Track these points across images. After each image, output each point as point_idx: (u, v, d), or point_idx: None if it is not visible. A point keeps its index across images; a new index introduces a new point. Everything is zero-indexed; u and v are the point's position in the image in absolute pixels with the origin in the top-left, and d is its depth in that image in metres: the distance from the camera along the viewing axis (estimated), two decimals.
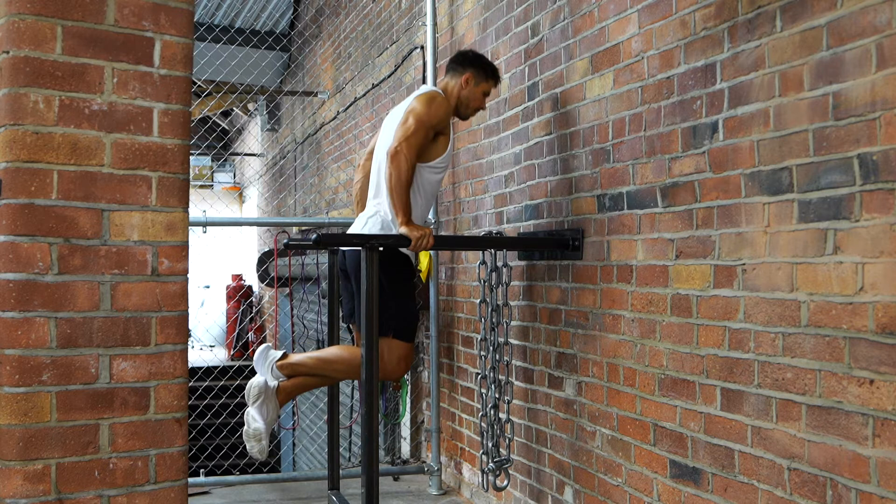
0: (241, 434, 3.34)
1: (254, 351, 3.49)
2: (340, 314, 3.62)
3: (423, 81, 4.55)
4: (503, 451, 3.42)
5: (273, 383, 3.28)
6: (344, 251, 3.36)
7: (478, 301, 3.48)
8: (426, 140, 3.15)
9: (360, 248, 3.18)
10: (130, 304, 1.96)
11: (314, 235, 2.91)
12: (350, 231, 3.36)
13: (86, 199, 1.92)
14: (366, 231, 3.20)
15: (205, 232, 4.56)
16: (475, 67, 3.31)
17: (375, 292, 2.86)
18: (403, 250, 3.19)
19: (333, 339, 3.73)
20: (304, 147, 8.33)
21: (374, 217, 3.22)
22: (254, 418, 3.22)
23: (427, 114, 3.13)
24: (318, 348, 5.11)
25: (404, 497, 4.20)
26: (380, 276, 2.90)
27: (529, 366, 3.47)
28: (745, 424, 2.28)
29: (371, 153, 3.52)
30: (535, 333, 3.44)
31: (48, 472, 1.87)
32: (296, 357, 3.35)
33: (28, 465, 1.85)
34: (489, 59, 3.46)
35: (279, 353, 3.31)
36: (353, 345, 3.47)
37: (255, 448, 3.23)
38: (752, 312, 2.25)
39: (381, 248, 2.95)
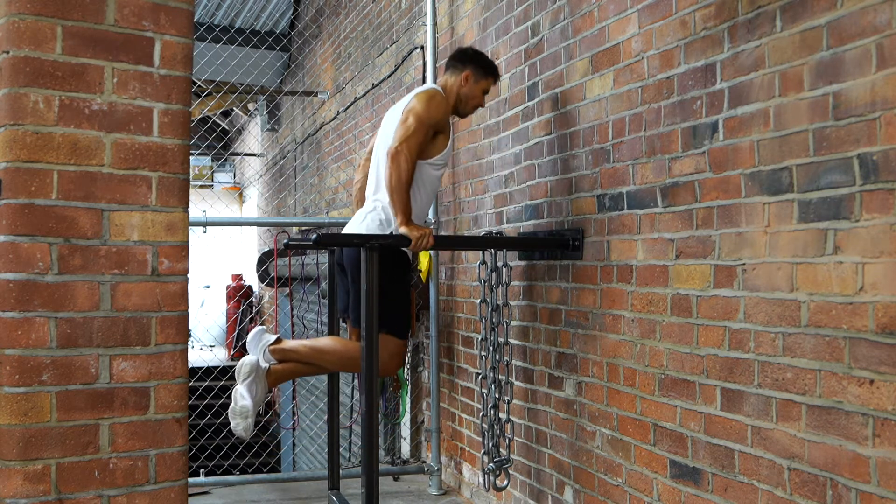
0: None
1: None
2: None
3: (423, 81, 4.55)
4: (503, 451, 3.42)
5: (264, 365, 3.28)
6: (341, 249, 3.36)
7: (478, 301, 3.48)
8: (426, 139, 3.15)
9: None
10: (130, 304, 1.96)
11: (314, 235, 2.91)
12: (349, 225, 3.36)
13: (86, 199, 1.92)
14: (365, 224, 3.20)
15: (205, 232, 4.56)
16: (475, 65, 3.31)
17: (376, 291, 2.86)
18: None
19: (333, 330, 3.73)
20: (304, 147, 8.33)
21: (374, 212, 3.22)
22: (242, 395, 3.22)
23: (427, 113, 3.13)
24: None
25: (404, 497, 4.20)
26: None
27: (529, 366, 3.47)
28: (745, 424, 2.28)
29: (371, 153, 3.52)
30: (535, 333, 3.44)
31: (48, 472, 1.87)
32: (289, 343, 3.35)
33: (28, 465, 1.85)
34: (489, 57, 3.46)
35: (273, 337, 3.31)
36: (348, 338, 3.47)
37: (241, 425, 3.22)
38: (752, 312, 2.25)
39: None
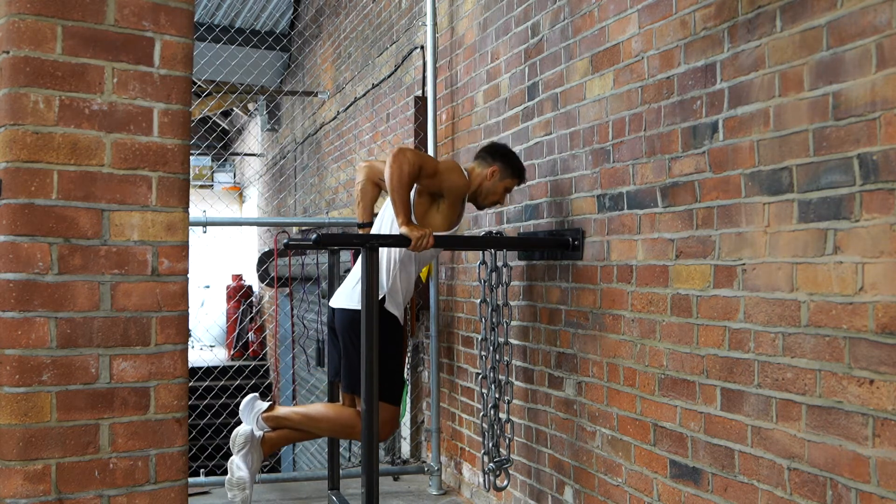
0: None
1: (254, 351, 3.51)
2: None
3: (423, 82, 4.55)
4: (503, 451, 3.42)
5: (258, 433, 3.31)
6: (333, 308, 3.36)
7: (478, 301, 3.48)
8: (429, 175, 3.08)
9: (348, 307, 3.21)
10: (130, 304, 1.96)
11: (314, 235, 2.91)
12: (343, 286, 3.35)
13: (86, 199, 1.92)
14: (359, 288, 3.10)
15: (205, 232, 4.56)
16: (503, 163, 3.29)
17: (376, 291, 2.86)
18: (391, 309, 3.21)
19: (333, 397, 3.71)
20: (304, 147, 8.34)
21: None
22: (238, 467, 3.24)
23: (440, 163, 3.16)
24: (318, 355, 5.11)
25: (404, 497, 4.20)
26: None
27: (529, 366, 3.47)
28: (745, 424, 2.28)
29: (376, 163, 3.47)
30: (535, 333, 3.44)
31: (48, 472, 1.86)
32: (282, 410, 3.39)
33: (28, 465, 1.85)
34: (519, 158, 3.39)
35: (265, 405, 3.36)
36: (341, 403, 3.47)
37: (239, 497, 3.25)
38: (752, 312, 2.25)
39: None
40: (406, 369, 4.64)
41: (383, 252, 3.18)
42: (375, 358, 2.86)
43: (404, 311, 3.33)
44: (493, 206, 3.44)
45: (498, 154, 3.32)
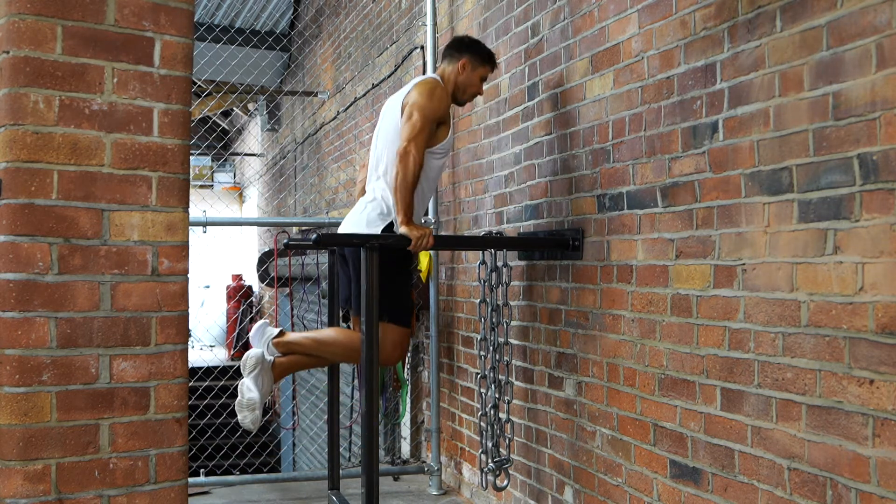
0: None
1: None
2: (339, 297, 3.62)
3: None
4: (503, 451, 3.42)
5: (269, 358, 3.29)
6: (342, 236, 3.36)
7: (478, 301, 3.48)
8: (431, 134, 3.16)
9: (356, 232, 3.20)
10: (130, 304, 1.96)
11: (314, 235, 2.91)
12: (349, 215, 3.36)
13: (86, 199, 1.92)
14: (365, 214, 3.20)
15: (205, 232, 4.56)
16: (471, 53, 3.32)
17: (376, 289, 2.86)
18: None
19: (334, 321, 3.73)
20: (304, 147, 8.34)
21: (374, 202, 3.22)
22: (248, 388, 3.22)
23: (430, 108, 3.13)
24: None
25: (404, 497, 4.20)
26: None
27: (529, 366, 3.47)
28: (745, 424, 2.28)
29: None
30: (535, 333, 3.44)
31: (48, 472, 1.87)
32: (292, 336, 3.36)
33: (28, 465, 1.85)
34: (485, 45, 3.45)
35: (276, 331, 3.33)
36: (350, 329, 3.47)
37: (248, 417, 3.22)
38: (752, 312, 2.25)
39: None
40: (406, 370, 4.64)
41: (391, 175, 3.17)
42: (376, 361, 2.86)
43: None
44: (474, 98, 3.44)
45: (463, 46, 3.33)
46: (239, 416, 3.24)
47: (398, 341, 3.23)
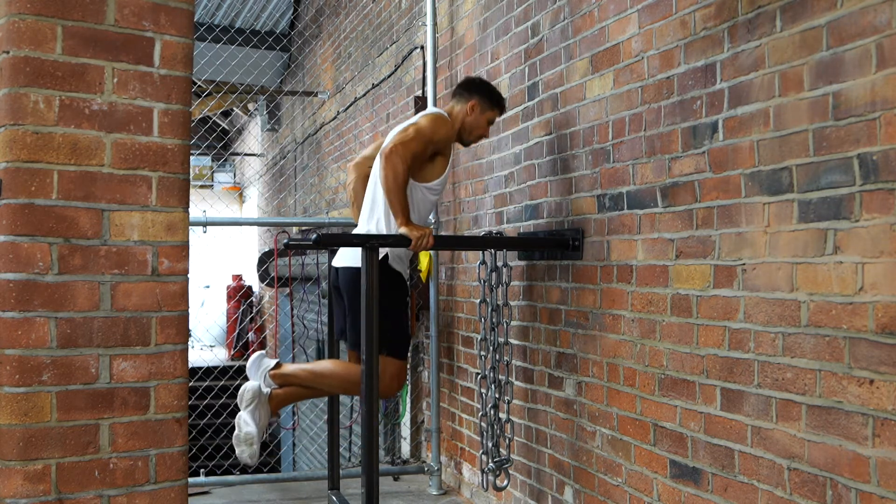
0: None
1: (254, 351, 3.50)
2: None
3: (423, 82, 4.55)
4: (503, 451, 3.42)
5: (266, 390, 3.30)
6: (337, 268, 3.35)
7: (478, 301, 3.48)
8: (423, 152, 3.12)
9: (352, 266, 3.19)
10: (130, 304, 1.96)
11: (314, 235, 2.91)
12: (344, 248, 3.34)
13: (86, 199, 1.92)
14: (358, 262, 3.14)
15: (205, 232, 4.56)
16: (481, 95, 3.29)
17: (375, 293, 2.86)
18: (396, 266, 3.20)
19: (333, 353, 3.71)
20: (304, 147, 8.34)
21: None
22: (245, 422, 3.23)
23: (429, 128, 3.13)
24: (318, 355, 5.11)
25: (404, 497, 4.20)
26: None
27: (529, 366, 3.47)
28: (745, 424, 2.28)
29: (365, 158, 3.48)
30: (535, 333, 3.44)
31: (48, 472, 1.87)
32: (289, 368, 3.37)
33: (28, 465, 1.85)
34: (497, 88, 3.42)
35: (273, 362, 3.33)
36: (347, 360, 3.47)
37: (246, 452, 3.23)
38: (752, 312, 2.25)
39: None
40: (406, 370, 4.64)
41: (384, 207, 3.16)
42: (376, 364, 2.86)
43: (408, 266, 3.32)
44: (479, 140, 3.43)
45: (474, 87, 3.31)
46: (237, 451, 3.25)
47: (395, 374, 3.23)
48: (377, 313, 2.84)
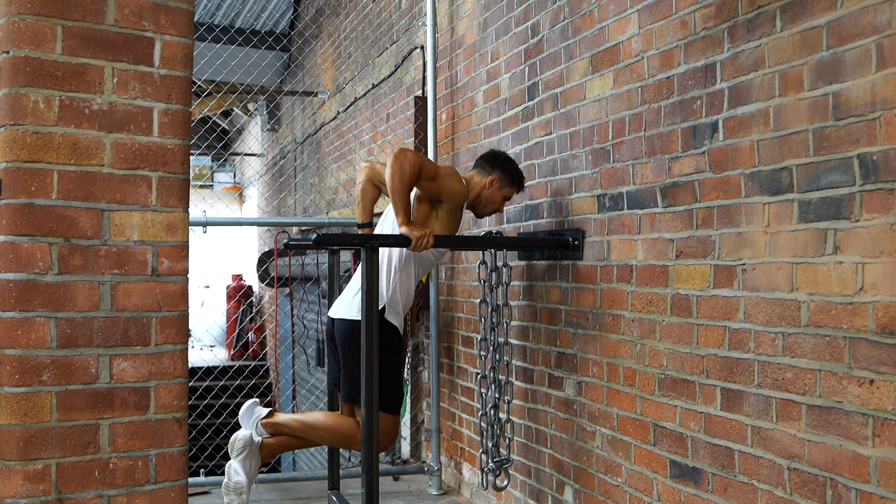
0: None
1: (254, 351, 3.50)
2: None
3: (423, 82, 4.55)
4: (503, 451, 3.42)
5: (257, 439, 3.31)
6: (332, 318, 3.36)
7: (478, 301, 3.48)
8: (431, 173, 3.09)
9: (347, 318, 3.20)
10: (130, 304, 1.96)
11: (314, 235, 2.91)
12: (342, 298, 3.34)
13: (86, 199, 1.92)
14: (357, 299, 3.14)
15: (205, 232, 4.56)
16: (503, 171, 3.29)
17: (376, 291, 2.86)
18: (392, 319, 3.20)
19: (332, 405, 3.70)
20: (304, 147, 8.34)
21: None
22: (236, 471, 3.24)
23: (443, 168, 3.16)
24: (318, 355, 5.10)
25: (404, 497, 4.20)
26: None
27: (529, 366, 3.47)
28: (745, 424, 2.28)
29: (381, 164, 3.46)
30: (535, 333, 3.44)
31: (48, 472, 1.86)
32: (281, 417, 3.38)
33: (28, 465, 1.85)
34: (518, 166, 3.38)
35: (265, 411, 3.35)
36: (339, 412, 3.47)
37: (235, 501, 3.24)
38: (752, 312, 2.25)
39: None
40: (406, 370, 4.64)
41: (383, 259, 3.17)
42: (376, 367, 2.86)
43: (404, 320, 3.33)
44: (492, 214, 3.45)
45: (497, 162, 3.31)
46: (225, 500, 3.27)
47: (386, 429, 3.21)
48: (377, 297, 2.82)
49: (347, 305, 3.27)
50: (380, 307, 3.08)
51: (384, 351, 3.07)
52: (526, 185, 3.46)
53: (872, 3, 1.91)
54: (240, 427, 3.38)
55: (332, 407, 3.70)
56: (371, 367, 2.86)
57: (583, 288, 3.08)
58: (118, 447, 1.94)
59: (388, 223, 3.32)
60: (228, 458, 3.34)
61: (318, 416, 3.49)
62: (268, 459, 3.38)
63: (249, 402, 3.36)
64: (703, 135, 2.45)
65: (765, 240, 2.22)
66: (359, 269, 3.32)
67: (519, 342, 3.55)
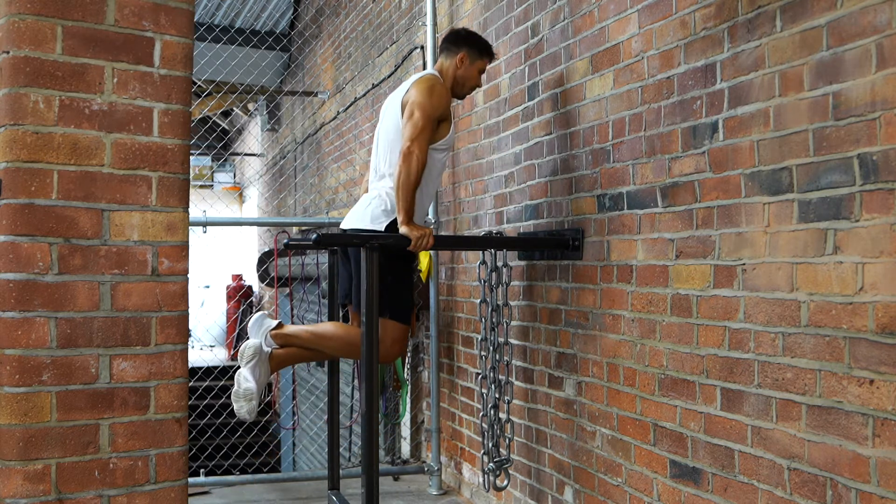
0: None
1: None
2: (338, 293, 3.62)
3: None
4: (503, 451, 3.42)
5: (266, 349, 3.29)
6: (344, 230, 3.36)
7: (478, 301, 3.48)
8: (434, 132, 3.16)
9: (359, 227, 3.21)
10: (130, 304, 1.96)
11: (314, 235, 2.91)
12: (352, 211, 3.35)
13: (86, 199, 1.92)
14: (369, 210, 3.20)
15: (205, 232, 4.56)
16: (469, 46, 3.31)
17: (376, 290, 2.86)
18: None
19: (333, 316, 3.72)
20: (304, 147, 8.34)
21: (377, 199, 3.22)
22: (245, 378, 3.22)
23: (431, 105, 3.13)
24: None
25: (404, 497, 4.20)
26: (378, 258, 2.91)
27: (529, 366, 3.47)
28: (745, 424, 2.28)
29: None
30: (535, 333, 3.44)
31: (48, 472, 1.87)
32: (291, 328, 3.35)
33: (28, 465, 1.85)
34: (482, 36, 3.43)
35: (275, 322, 3.32)
36: (349, 324, 3.47)
37: (245, 407, 3.21)
38: (752, 312, 2.25)
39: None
40: (406, 370, 4.64)
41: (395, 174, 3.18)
42: (376, 357, 2.86)
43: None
44: (473, 91, 3.44)
45: (460, 39, 3.33)
46: (235, 406, 3.24)
47: (397, 338, 3.23)
48: (377, 297, 2.84)
49: (360, 216, 3.25)
50: (392, 219, 3.12)
51: (395, 262, 3.08)
52: (526, 183, 3.46)
53: (872, 3, 1.91)
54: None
55: (333, 318, 3.71)
56: (371, 358, 2.86)
57: (583, 288, 3.08)
58: (118, 447, 1.94)
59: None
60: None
61: (327, 325, 3.47)
62: (277, 370, 3.34)
63: (258, 314, 3.33)
64: (703, 135, 2.45)
65: (765, 240, 2.22)
66: (370, 183, 3.36)
67: (519, 342, 3.55)
